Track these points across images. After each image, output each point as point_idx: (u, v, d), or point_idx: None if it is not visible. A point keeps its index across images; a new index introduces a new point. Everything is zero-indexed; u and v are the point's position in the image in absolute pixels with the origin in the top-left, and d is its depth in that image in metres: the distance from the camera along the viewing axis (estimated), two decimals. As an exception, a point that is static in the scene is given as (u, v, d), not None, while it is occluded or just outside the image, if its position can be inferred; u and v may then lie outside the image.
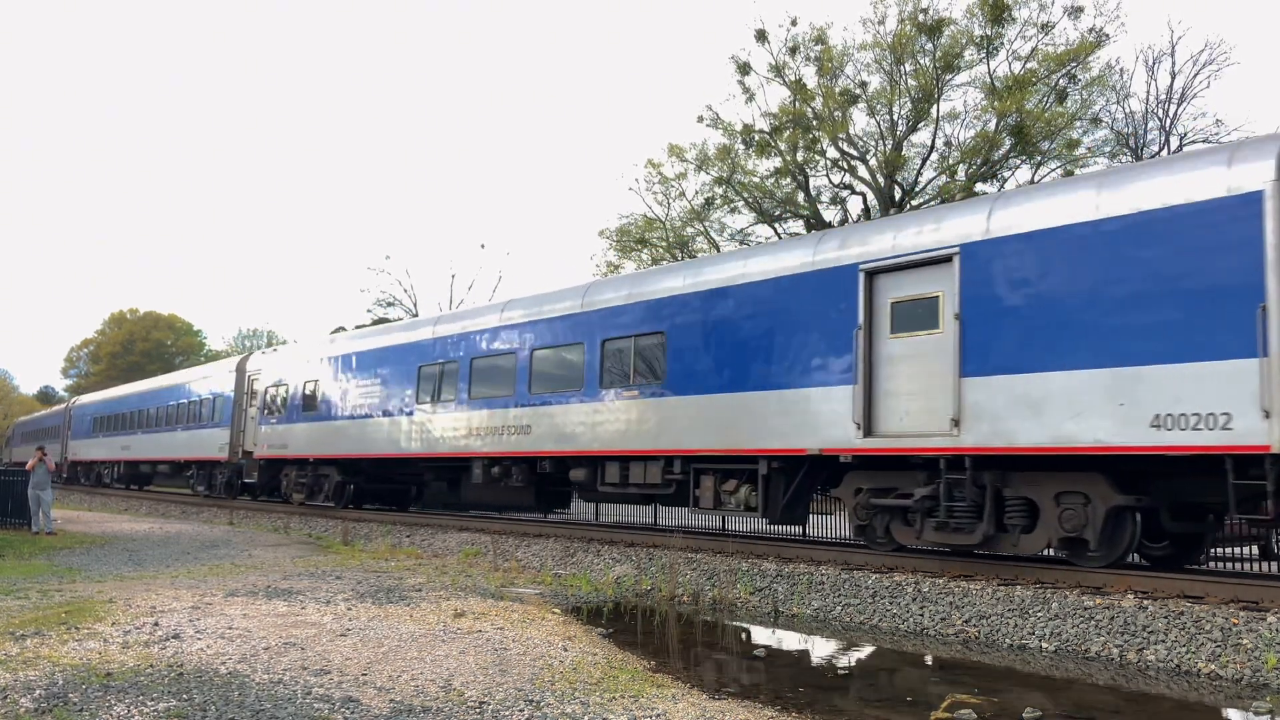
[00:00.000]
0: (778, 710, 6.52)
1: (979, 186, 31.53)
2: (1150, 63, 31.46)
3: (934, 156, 33.51)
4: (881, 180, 33.76)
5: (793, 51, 33.84)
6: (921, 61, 32.05)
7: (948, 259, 10.70)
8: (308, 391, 22.93)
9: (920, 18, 31.17)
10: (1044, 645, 8.85)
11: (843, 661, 8.96)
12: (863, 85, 33.32)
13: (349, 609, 9.77)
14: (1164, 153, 30.13)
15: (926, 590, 10.27)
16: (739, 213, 37.89)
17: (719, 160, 36.31)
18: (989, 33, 30.79)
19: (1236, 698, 7.18)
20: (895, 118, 33.20)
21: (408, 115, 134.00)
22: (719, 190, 37.10)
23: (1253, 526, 10.54)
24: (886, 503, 11.41)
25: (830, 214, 35.60)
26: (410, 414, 19.20)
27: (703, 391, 13.24)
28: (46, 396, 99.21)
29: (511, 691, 6.53)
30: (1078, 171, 29.74)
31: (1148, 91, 36.52)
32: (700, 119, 36.34)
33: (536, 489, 17.11)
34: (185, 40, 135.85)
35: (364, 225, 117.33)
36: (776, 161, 35.26)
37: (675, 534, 15.06)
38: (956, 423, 10.31)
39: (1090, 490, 9.77)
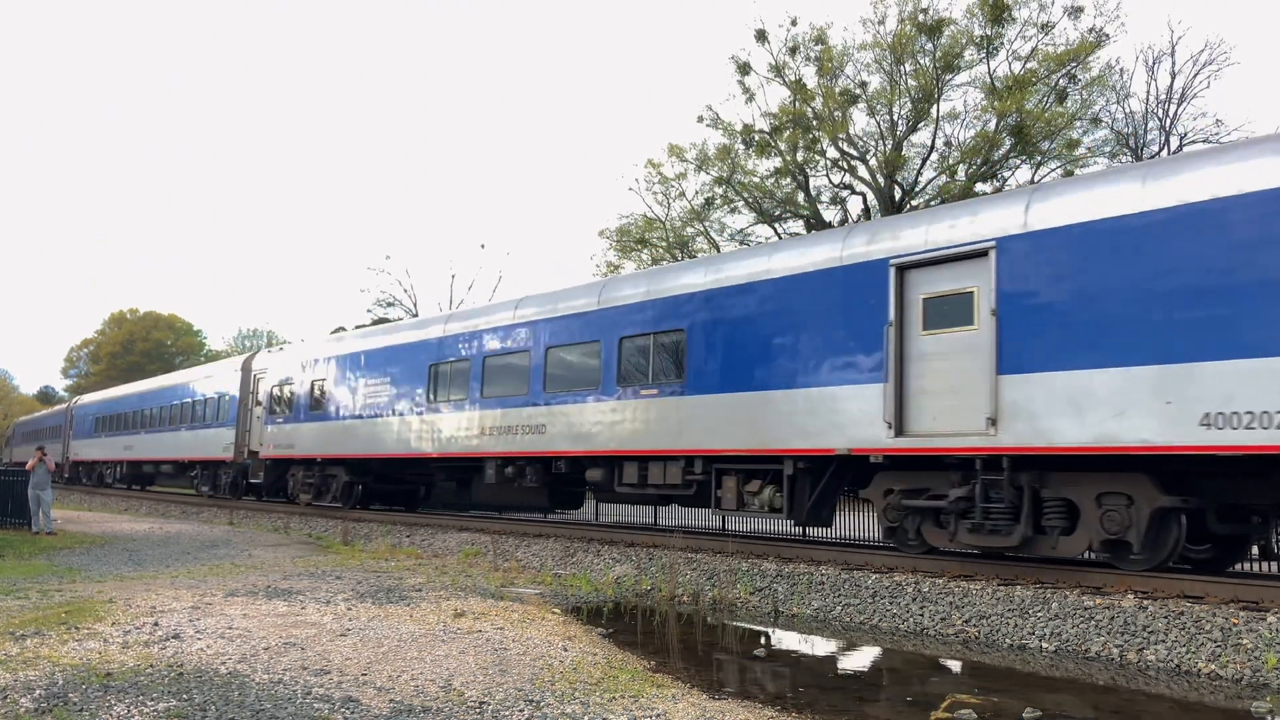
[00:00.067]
0: (778, 710, 6.51)
1: (979, 186, 31.55)
2: (1150, 63, 31.55)
3: (934, 156, 33.59)
4: (881, 180, 33.78)
5: (793, 51, 33.88)
6: (921, 61, 32.08)
7: (983, 253, 10.40)
8: (315, 391, 22.68)
9: (920, 18, 31.21)
10: (1044, 645, 8.85)
11: (843, 661, 8.96)
12: (863, 85, 33.35)
13: (349, 609, 9.76)
14: (1164, 153, 30.13)
15: (926, 590, 10.27)
16: (739, 213, 37.95)
17: (719, 160, 36.34)
18: (989, 33, 30.83)
19: (1236, 698, 7.17)
20: (895, 118, 33.22)
21: (408, 115, 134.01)
22: (719, 190, 37.14)
23: None
24: (919, 504, 11.12)
25: (830, 214, 35.64)
26: (421, 413, 18.97)
27: (726, 390, 12.95)
28: (46, 396, 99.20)
29: (511, 691, 6.53)
30: (1078, 172, 29.73)
31: (1148, 91, 36.61)
32: (700, 119, 36.44)
33: (550, 489, 16.87)
34: (186, 40, 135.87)
35: (364, 225, 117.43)
36: (776, 161, 35.29)
37: (675, 534, 15.04)
38: (993, 422, 10.01)
39: (1134, 491, 9.47)
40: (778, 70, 34.21)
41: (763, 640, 9.49)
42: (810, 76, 34.15)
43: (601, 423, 14.79)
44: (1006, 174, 32.47)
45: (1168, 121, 30.91)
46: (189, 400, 30.88)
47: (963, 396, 10.40)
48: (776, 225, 37.35)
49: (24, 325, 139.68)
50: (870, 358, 11.26)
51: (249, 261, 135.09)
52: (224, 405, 27.98)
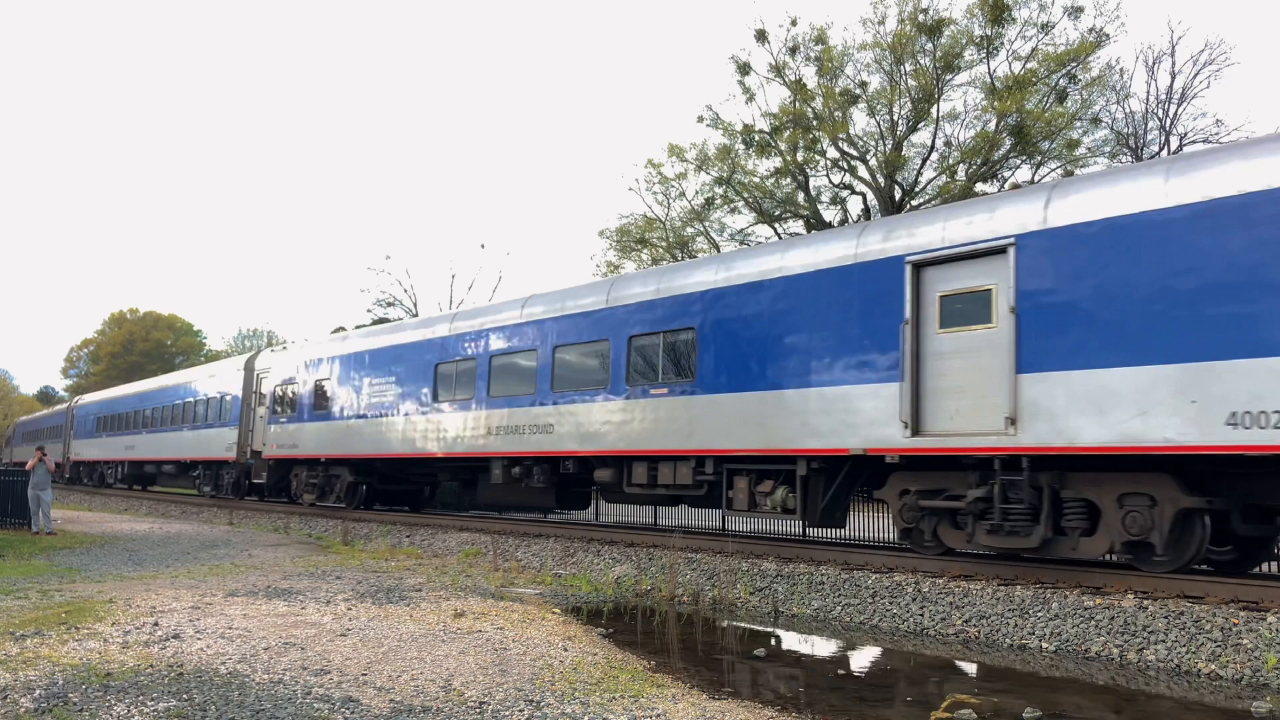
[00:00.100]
0: (778, 710, 6.51)
1: (979, 186, 31.54)
2: (1150, 63, 31.49)
3: (934, 156, 33.55)
4: (881, 180, 33.77)
5: (793, 51, 33.85)
6: (921, 61, 32.05)
7: (1002, 250, 10.23)
8: (319, 390, 22.51)
9: (920, 18, 31.18)
10: (1044, 645, 8.85)
11: (843, 661, 8.95)
12: (863, 85, 33.33)
13: (349, 609, 9.76)
14: (1164, 153, 30.13)
15: (926, 590, 10.26)
16: (739, 213, 37.92)
17: (719, 160, 36.32)
18: (989, 33, 30.80)
19: (1236, 698, 7.17)
20: (895, 118, 33.20)
21: (408, 115, 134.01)
22: (719, 190, 37.11)
23: None
24: (936, 505, 10.97)
25: (830, 214, 35.63)
26: (426, 413, 18.83)
27: (737, 389, 12.82)
28: (46, 396, 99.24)
29: (511, 691, 6.53)
30: (1078, 172, 29.73)
31: (1148, 91, 36.56)
32: (700, 119, 36.38)
33: (558, 490, 16.75)
34: (186, 40, 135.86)
35: (364, 225, 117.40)
36: (776, 161, 35.27)
37: (675, 534, 15.03)
38: (1012, 421, 9.85)
39: (1157, 492, 9.32)
40: (778, 70, 34.20)
41: (763, 640, 9.49)
42: (810, 76, 34.15)
43: (610, 422, 14.65)
44: (1006, 174, 32.44)
45: (1168, 121, 30.90)
46: (191, 400, 30.76)
47: (981, 396, 10.25)
48: (776, 225, 37.32)
49: (24, 325, 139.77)
50: (886, 356, 11.11)
51: (249, 261, 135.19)
52: (227, 405, 27.85)
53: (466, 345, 18.13)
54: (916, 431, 10.76)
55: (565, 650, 8.05)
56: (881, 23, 32.43)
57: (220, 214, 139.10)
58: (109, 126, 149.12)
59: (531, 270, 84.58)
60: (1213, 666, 7.82)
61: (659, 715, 6.06)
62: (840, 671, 8.49)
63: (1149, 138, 31.32)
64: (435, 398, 18.66)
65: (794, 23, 33.59)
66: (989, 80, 31.64)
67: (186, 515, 26.49)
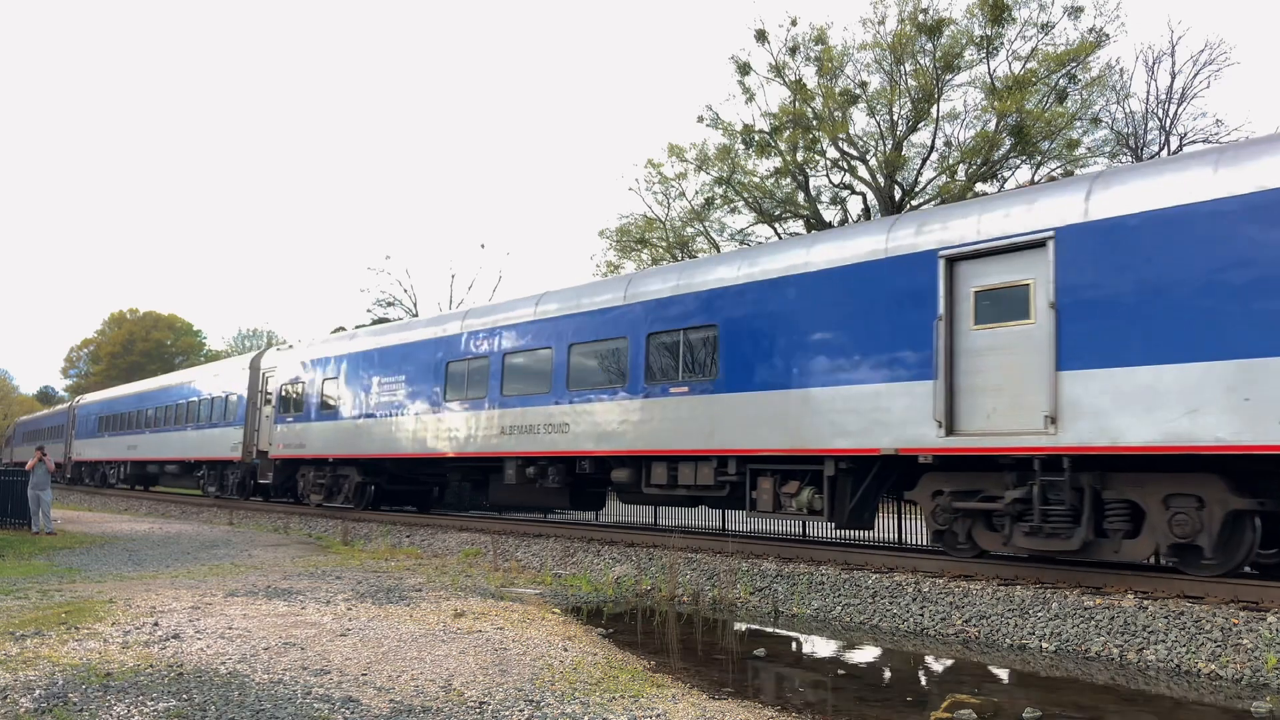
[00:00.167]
0: (778, 710, 6.51)
1: (979, 186, 31.55)
2: (1150, 63, 31.49)
3: (934, 156, 33.54)
4: (881, 180, 33.77)
5: (793, 51, 33.85)
6: (921, 61, 32.05)
7: (1040, 244, 9.93)
8: (327, 389, 22.25)
9: (920, 18, 31.18)
10: (1044, 645, 8.85)
11: (843, 661, 8.95)
12: (863, 85, 33.33)
13: (349, 609, 9.76)
14: (1164, 153, 30.13)
15: (926, 590, 10.26)
16: (739, 213, 37.92)
17: (719, 160, 36.32)
18: (989, 33, 30.80)
19: (1236, 698, 7.17)
20: (895, 118, 33.19)
21: (408, 115, 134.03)
22: (719, 190, 37.11)
23: None
24: (971, 506, 10.62)
25: (830, 214, 35.64)
26: (437, 412, 18.53)
27: (762, 388, 12.52)
28: (46, 396, 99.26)
29: (511, 691, 6.53)
30: (1078, 171, 29.73)
31: (1148, 91, 36.57)
32: (700, 119, 36.38)
33: (572, 490, 16.52)
34: (186, 40, 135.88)
35: (364, 225, 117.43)
36: (776, 161, 35.27)
37: (675, 534, 15.01)
38: (1053, 420, 9.57)
39: (1205, 493, 9.01)
40: (778, 70, 34.21)
41: (763, 640, 9.49)
42: (810, 76, 34.15)
43: (628, 421, 14.38)
44: (1006, 174, 32.48)
45: (1168, 121, 30.90)
46: (195, 399, 30.55)
47: (1018, 394, 9.97)
48: (776, 225, 37.34)
49: (24, 325, 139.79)
50: (918, 354, 10.82)
51: (249, 261, 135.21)
52: (231, 404, 27.64)
53: (478, 343, 17.86)
54: (951, 431, 10.47)
55: (565, 650, 8.05)
56: (881, 23, 32.45)
57: (220, 214, 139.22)
58: (109, 127, 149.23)
59: (531, 270, 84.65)
60: (1213, 666, 7.82)
61: (659, 715, 6.06)
62: (840, 671, 8.49)
63: (1149, 138, 31.34)
64: (446, 397, 18.41)
65: (794, 23, 33.61)
66: (989, 80, 31.65)
67: (186, 515, 26.48)
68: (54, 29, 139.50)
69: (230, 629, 8.40)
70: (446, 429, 18.28)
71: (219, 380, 29.36)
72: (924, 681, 8.08)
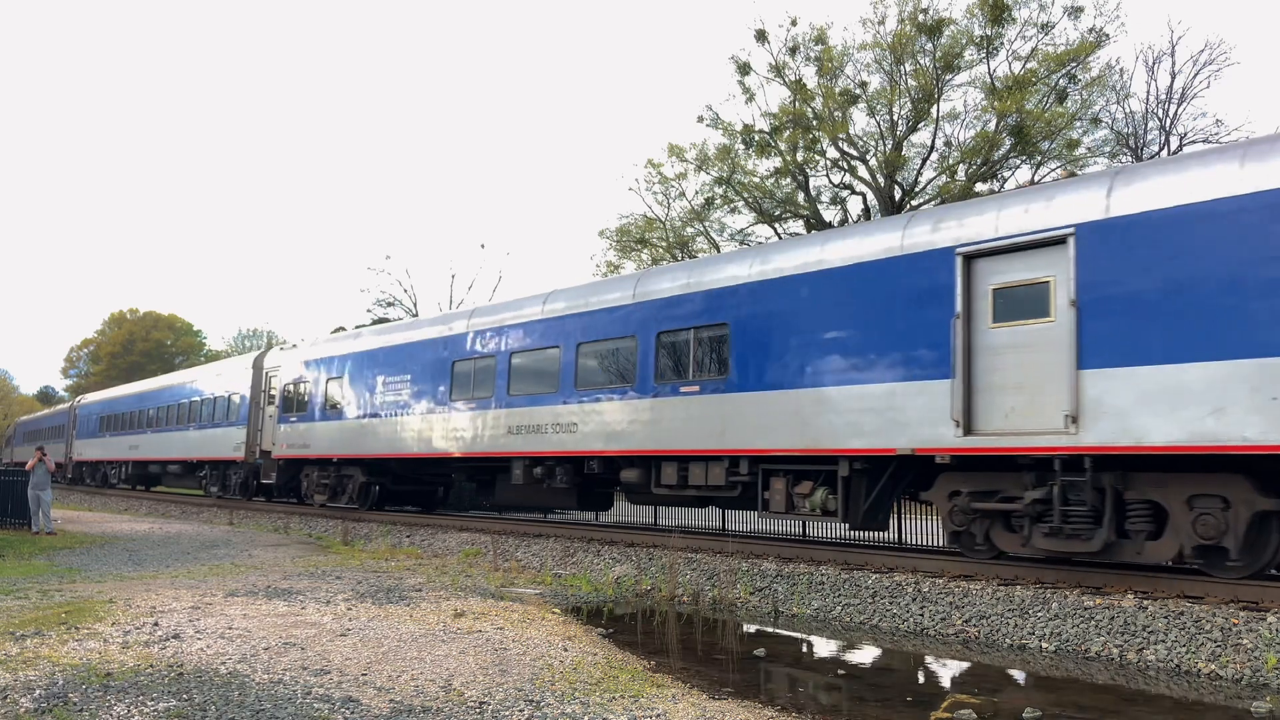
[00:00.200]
0: (778, 710, 6.51)
1: (979, 186, 31.56)
2: (1150, 63, 31.52)
3: (934, 156, 33.56)
4: (881, 180, 33.78)
5: (793, 51, 33.87)
6: (921, 61, 32.06)
7: (1061, 240, 9.80)
8: (331, 389, 22.10)
9: (920, 18, 31.20)
10: (1044, 645, 8.85)
11: (843, 661, 8.95)
12: (863, 85, 33.34)
13: (349, 609, 9.76)
14: (1164, 153, 30.14)
15: (926, 590, 10.26)
16: (739, 213, 37.94)
17: (719, 160, 36.34)
18: (989, 33, 30.81)
19: (1236, 698, 7.17)
20: (895, 118, 33.20)
21: (408, 115, 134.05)
22: (719, 190, 37.13)
23: None
24: (990, 507, 10.49)
25: (830, 214, 35.65)
26: (443, 412, 18.36)
27: (774, 387, 12.39)
28: (46, 396, 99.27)
29: (511, 691, 6.53)
30: (1079, 172, 29.72)
31: (1148, 91, 36.61)
32: (700, 119, 36.41)
33: (580, 491, 16.40)
34: (186, 40, 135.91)
35: (364, 225, 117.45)
36: (776, 161, 35.28)
37: (675, 534, 15.01)
38: (1074, 419, 9.43)
39: (1230, 493, 8.89)
40: (778, 70, 34.22)
41: (763, 640, 9.49)
42: (810, 76, 34.17)
43: (638, 421, 14.24)
44: (1006, 174, 32.49)
45: (1168, 121, 30.91)
46: (198, 399, 30.41)
47: (1038, 393, 9.85)
48: (776, 225, 37.36)
49: (24, 325, 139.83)
50: (934, 352, 10.70)
51: (249, 261, 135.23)
52: (234, 404, 27.52)
53: (485, 342, 17.71)
54: (969, 430, 10.34)
55: (565, 650, 8.05)
56: (881, 23, 32.47)
57: (220, 214, 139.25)
58: (109, 127, 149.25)
59: (531, 270, 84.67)
60: (1213, 666, 7.82)
61: (659, 715, 6.06)
62: (840, 671, 8.49)
63: (1149, 138, 31.36)
64: (452, 396, 18.24)
65: (794, 23, 33.64)
66: (989, 80, 31.66)
67: (186, 515, 26.49)
68: (55, 29, 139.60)
69: (230, 629, 8.40)
70: (452, 428, 18.15)
71: (222, 380, 29.19)
72: (924, 681, 8.08)
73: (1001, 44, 31.24)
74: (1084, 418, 9.41)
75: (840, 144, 33.89)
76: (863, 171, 34.77)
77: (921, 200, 33.13)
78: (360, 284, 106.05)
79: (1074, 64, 30.41)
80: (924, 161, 33.75)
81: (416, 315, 45.44)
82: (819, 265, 12.23)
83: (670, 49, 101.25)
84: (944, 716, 6.45)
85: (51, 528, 19.20)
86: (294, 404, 23.57)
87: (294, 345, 27.79)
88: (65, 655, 7.21)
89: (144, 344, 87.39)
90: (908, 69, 32.26)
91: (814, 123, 33.49)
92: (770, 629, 10.20)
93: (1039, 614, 9.20)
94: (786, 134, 33.95)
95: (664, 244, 39.22)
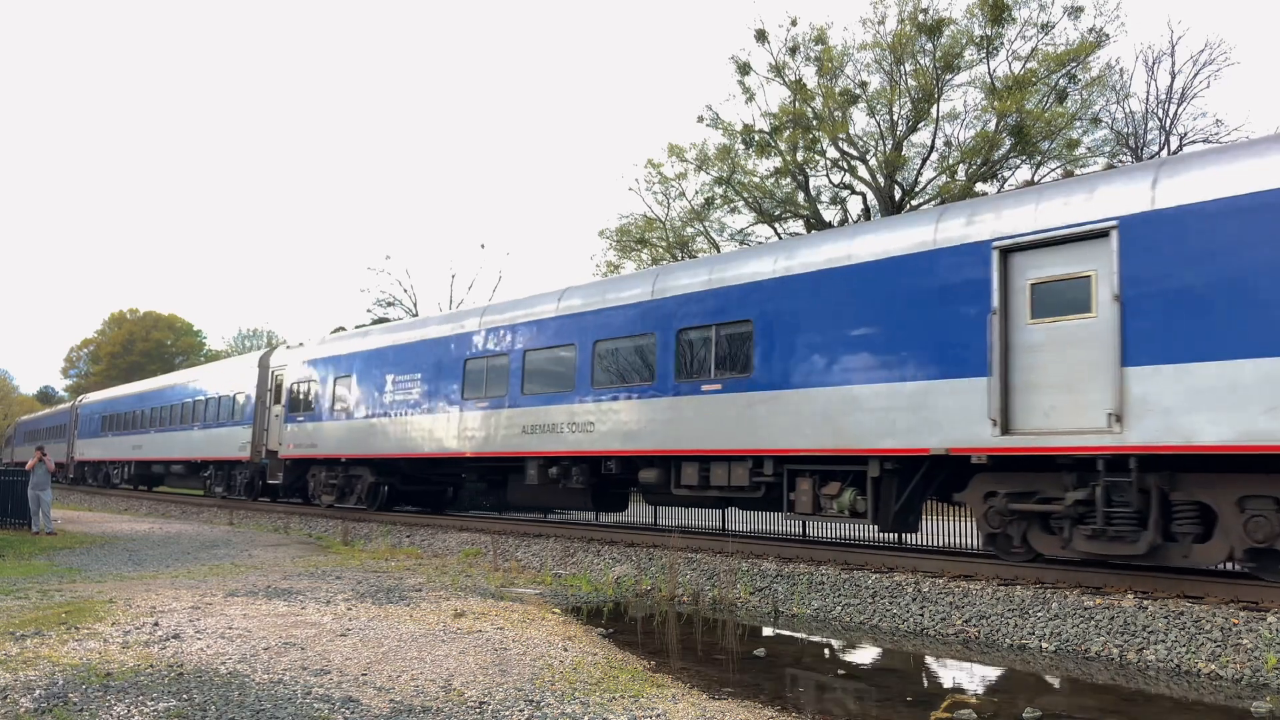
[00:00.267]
0: (778, 710, 6.52)
1: (979, 186, 31.57)
2: (1150, 63, 31.55)
3: (934, 156, 33.57)
4: (881, 180, 33.79)
5: (793, 51, 33.88)
6: (921, 61, 32.07)
7: (1103, 234, 9.50)
8: (339, 388, 21.82)
9: (920, 18, 31.21)
10: (1044, 645, 8.85)
11: (843, 661, 8.96)
12: (863, 85, 33.35)
13: (349, 609, 9.77)
14: (1164, 153, 30.14)
15: (926, 590, 10.26)
16: (739, 213, 37.96)
17: (719, 160, 36.35)
18: (989, 33, 30.82)
19: (1236, 698, 7.17)
20: (895, 118, 33.21)
21: (408, 115, 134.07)
22: (719, 190, 37.15)
23: None
24: (1028, 508, 10.17)
25: (830, 214, 35.66)
26: (455, 411, 18.06)
27: (801, 385, 12.09)
28: (46, 396, 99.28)
29: (511, 691, 6.53)
30: (1078, 172, 29.73)
31: (1148, 91, 36.62)
32: (700, 119, 36.42)
33: (595, 491, 16.07)
34: (186, 40, 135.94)
35: (364, 225, 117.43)
36: (776, 161, 35.29)
37: (674, 534, 15.00)
38: (1118, 418, 9.13)
39: None
40: (778, 70, 34.23)
41: (763, 640, 9.49)
42: (810, 76, 34.19)
43: (657, 420, 13.95)
44: (1006, 174, 32.51)
45: (1168, 121, 30.93)
46: (202, 398, 30.18)
47: (1079, 391, 9.55)
48: (776, 225, 37.37)
49: (24, 325, 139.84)
50: (969, 349, 10.39)
51: (249, 261, 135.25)
52: (239, 403, 27.30)
53: (498, 340, 17.43)
54: (1007, 430, 10.03)
55: (565, 650, 8.06)
56: (881, 23, 32.48)
57: (220, 214, 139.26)
58: (109, 127, 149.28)
59: (531, 270, 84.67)
60: (1213, 666, 7.82)
61: (659, 715, 6.07)
62: (840, 671, 8.50)
63: (1149, 138, 31.37)
64: (464, 395, 17.92)
65: (794, 23, 33.65)
66: (989, 80, 31.66)
67: (187, 515, 26.49)
68: (55, 29, 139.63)
69: (230, 629, 8.40)
70: (465, 428, 17.88)
71: (226, 379, 28.95)
72: (924, 681, 8.08)
73: (1001, 44, 31.26)
74: (1129, 416, 9.13)
75: (840, 144, 33.90)
76: (863, 171, 34.80)
77: (921, 200, 33.14)
78: (360, 284, 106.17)
79: (1074, 64, 30.42)
80: (924, 161, 33.77)
81: (416, 315, 45.42)
82: (848, 260, 11.93)
83: (670, 49, 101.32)
84: (944, 716, 6.46)
85: (51, 528, 19.21)
86: (301, 403, 23.31)
87: (300, 344, 27.36)
88: (65, 655, 7.21)
89: (144, 344, 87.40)
90: (908, 69, 32.27)
91: (814, 123, 33.51)
92: (770, 629, 10.20)
93: (1039, 614, 9.21)
94: (786, 134, 33.97)
95: (664, 244, 39.24)
